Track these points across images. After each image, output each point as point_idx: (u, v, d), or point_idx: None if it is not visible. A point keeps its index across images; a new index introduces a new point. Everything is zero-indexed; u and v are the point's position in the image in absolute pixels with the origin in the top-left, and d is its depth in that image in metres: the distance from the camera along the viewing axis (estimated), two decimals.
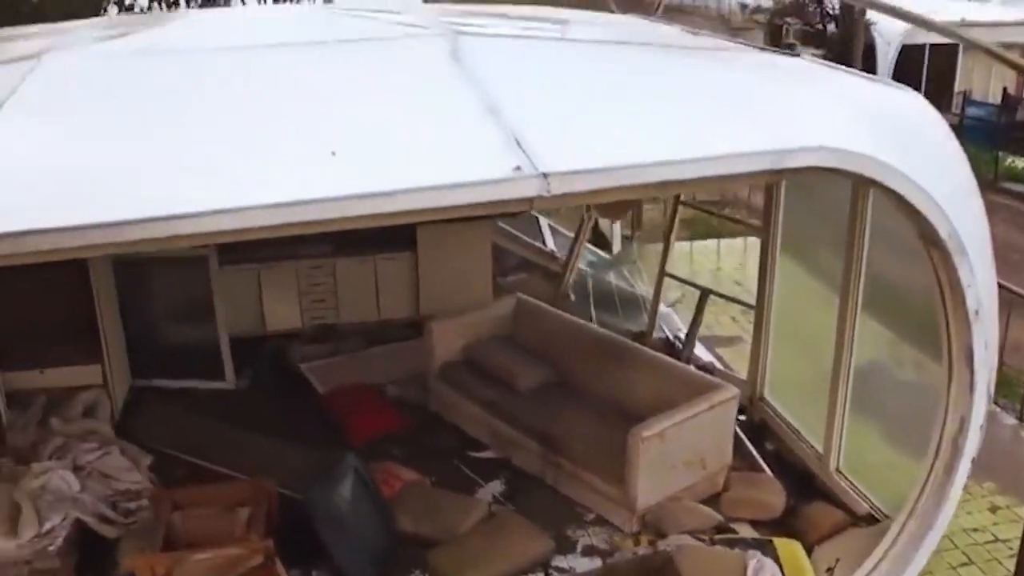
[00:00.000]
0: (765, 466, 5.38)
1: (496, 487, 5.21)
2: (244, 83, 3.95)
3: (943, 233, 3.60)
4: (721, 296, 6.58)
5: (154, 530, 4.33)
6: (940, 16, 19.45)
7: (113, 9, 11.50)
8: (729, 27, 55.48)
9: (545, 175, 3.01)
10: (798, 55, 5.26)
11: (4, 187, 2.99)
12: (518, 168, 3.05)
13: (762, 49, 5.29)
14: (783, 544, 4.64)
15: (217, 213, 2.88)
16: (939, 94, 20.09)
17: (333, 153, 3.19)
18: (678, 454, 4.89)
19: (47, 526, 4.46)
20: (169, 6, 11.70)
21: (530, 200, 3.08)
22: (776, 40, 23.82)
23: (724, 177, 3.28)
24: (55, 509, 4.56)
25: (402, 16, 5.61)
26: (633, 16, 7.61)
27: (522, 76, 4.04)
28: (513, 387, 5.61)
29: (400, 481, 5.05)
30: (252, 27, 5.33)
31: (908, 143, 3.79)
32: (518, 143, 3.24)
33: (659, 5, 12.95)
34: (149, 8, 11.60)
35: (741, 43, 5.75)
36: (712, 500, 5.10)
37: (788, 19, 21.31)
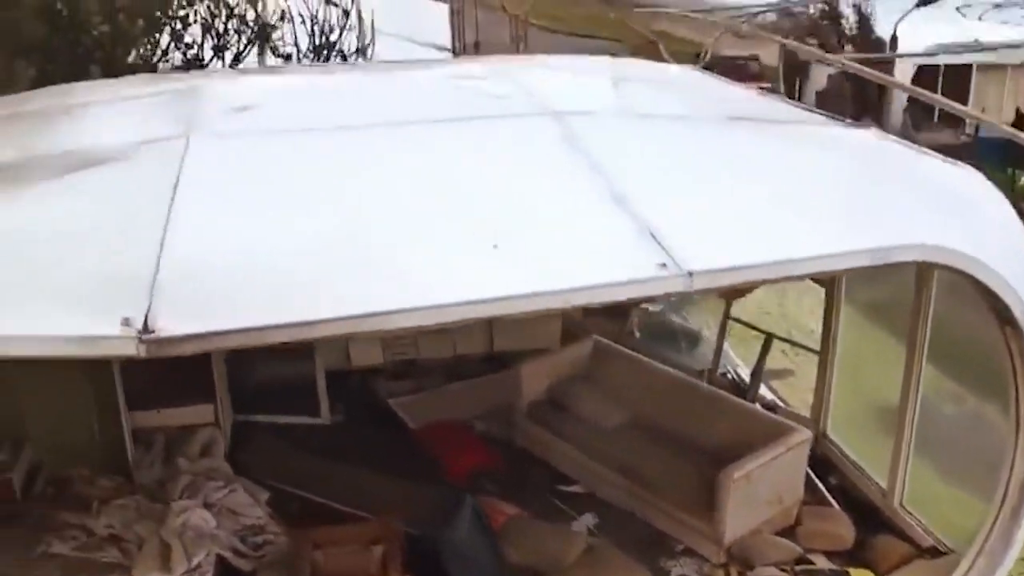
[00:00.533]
0: (832, 500, 5.86)
1: (588, 520, 5.68)
2: (385, 167, 4.40)
3: (1017, 313, 4.05)
4: (785, 340, 7.05)
5: (294, 566, 4.80)
6: (954, 37, 19.98)
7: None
8: (737, 36, 56.22)
9: (690, 274, 3.44)
10: (868, 127, 5.67)
11: (208, 282, 3.45)
12: (663, 266, 3.48)
13: (831, 118, 5.71)
14: (858, 574, 5.12)
15: (404, 312, 3.30)
16: (952, 116, 20.59)
17: (495, 246, 3.66)
18: (761, 492, 5.37)
19: (195, 562, 4.92)
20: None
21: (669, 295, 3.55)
22: (792, 58, 24.22)
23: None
24: (199, 545, 5.03)
25: (488, 83, 6.06)
26: (688, 68, 8.05)
27: (637, 160, 4.49)
28: (597, 425, 6.08)
29: (503, 515, 5.51)
30: (355, 101, 5.70)
31: (983, 228, 4.26)
32: (653, 236, 3.69)
33: (706, 54, 13.46)
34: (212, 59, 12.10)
35: (807, 110, 6.19)
36: (787, 532, 5.58)
37: (807, 39, 21.73)
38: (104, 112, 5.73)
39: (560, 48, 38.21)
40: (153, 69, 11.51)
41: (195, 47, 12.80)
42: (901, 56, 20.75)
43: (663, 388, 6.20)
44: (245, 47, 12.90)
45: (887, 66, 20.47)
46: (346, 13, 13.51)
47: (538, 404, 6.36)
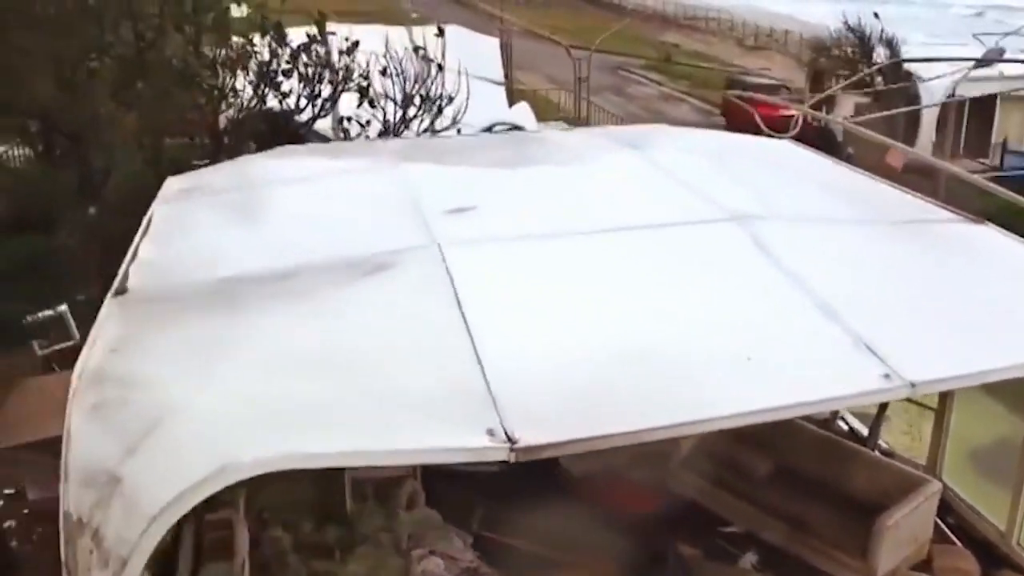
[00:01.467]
0: (955, 539, 6.82)
1: (751, 558, 6.62)
2: (621, 275, 5.33)
3: None
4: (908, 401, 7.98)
5: None
6: (979, 70, 20.90)
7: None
8: (742, 47, 57.23)
9: (913, 384, 4.36)
10: (983, 222, 6.53)
11: (541, 391, 4.35)
12: (887, 377, 4.40)
13: (955, 214, 6.60)
14: None
15: (731, 416, 4.21)
16: (979, 143, 21.67)
17: (748, 359, 4.59)
18: (905, 534, 6.32)
19: None
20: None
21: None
22: (818, 84, 25.28)
23: None
24: None
25: (658, 179, 6.96)
26: (791, 145, 8.99)
27: (828, 268, 5.41)
28: (750, 473, 7.02)
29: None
30: (556, 202, 6.53)
31: None
32: (868, 347, 4.62)
33: (796, 122, 14.37)
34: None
35: (925, 200, 7.09)
36: (922, 567, 6.53)
37: (840, 72, 22.74)
38: (328, 209, 6.62)
39: (584, 59, 39.18)
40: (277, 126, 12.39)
41: (292, 95, 13.71)
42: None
43: (803, 441, 7.13)
44: (338, 94, 13.80)
45: (913, 97, 21.54)
46: (439, 66, 14.32)
47: (693, 453, 7.29)
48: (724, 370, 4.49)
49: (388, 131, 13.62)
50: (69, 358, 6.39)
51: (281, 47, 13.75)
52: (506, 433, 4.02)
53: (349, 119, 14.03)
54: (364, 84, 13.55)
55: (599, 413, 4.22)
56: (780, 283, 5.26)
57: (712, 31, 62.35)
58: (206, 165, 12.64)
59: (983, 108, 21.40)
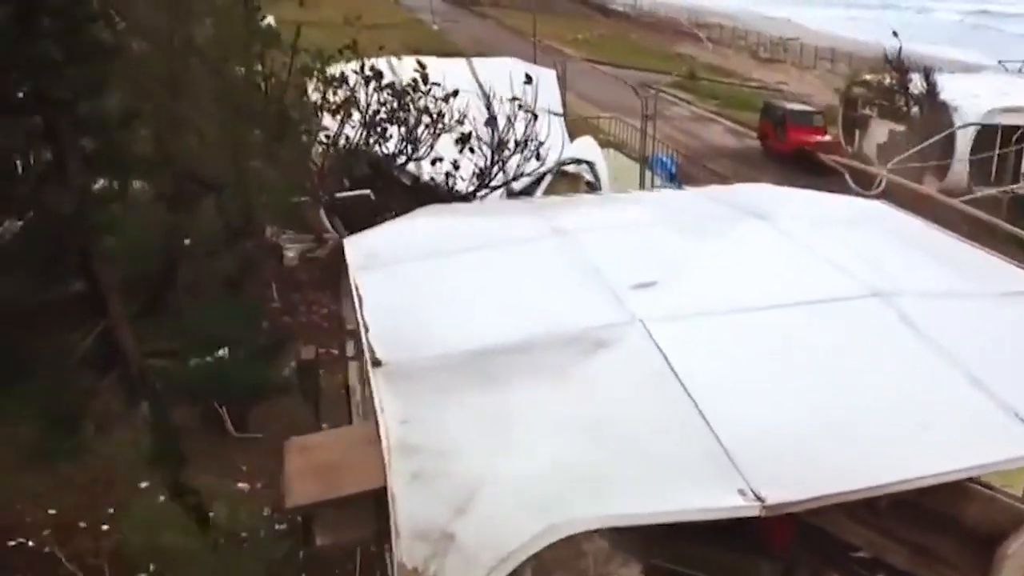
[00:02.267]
0: None
1: None
2: (807, 348, 6.41)
3: None
4: None
5: None
6: (1012, 101, 22.00)
7: None
8: (757, 59, 58.42)
9: None
10: None
11: (773, 452, 5.42)
12: None
13: None
14: None
15: (904, 482, 5.31)
16: (1013, 169, 22.82)
17: (924, 427, 5.67)
18: (1018, 562, 7.41)
19: None
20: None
21: None
22: (851, 109, 26.36)
23: None
24: None
25: (799, 254, 8.01)
26: (883, 206, 10.05)
27: (969, 339, 6.49)
28: (874, 504, 8.10)
29: None
30: (721, 274, 7.59)
31: None
32: (1017, 415, 5.71)
33: (880, 181, 15.41)
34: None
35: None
36: None
37: (878, 101, 23.81)
38: (519, 280, 7.67)
39: (609, 76, 40.19)
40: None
41: (391, 140, 14.79)
42: None
43: None
44: (436, 139, 14.85)
45: (946, 126, 22.65)
46: (534, 115, 15.37)
47: None
48: (907, 437, 5.59)
49: (483, 174, 14.72)
50: None
51: (380, 91, 14.83)
52: (755, 493, 5.10)
53: (441, 159, 15.10)
54: (465, 132, 14.57)
55: (826, 472, 5.31)
56: (930, 357, 6.34)
57: (726, 43, 63.42)
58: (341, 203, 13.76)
59: (1017, 136, 22.52)
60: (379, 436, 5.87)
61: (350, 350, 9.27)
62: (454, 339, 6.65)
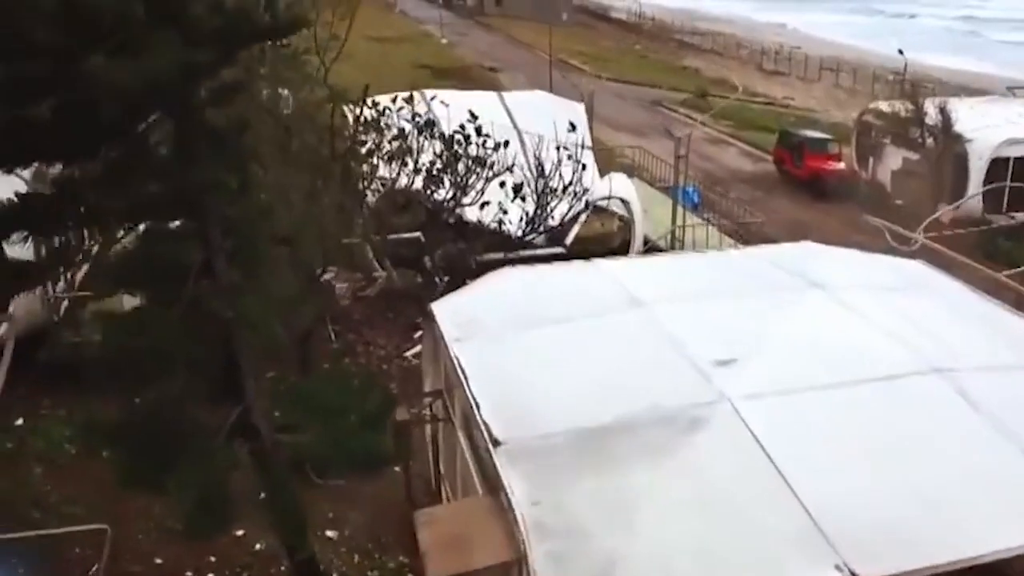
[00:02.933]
0: None
1: None
2: (875, 424, 7.17)
3: None
4: None
5: None
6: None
7: None
8: (762, 71, 59.17)
9: None
10: None
11: (864, 526, 6.18)
12: None
13: None
14: None
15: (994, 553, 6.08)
16: (1020, 201, 23.61)
17: (999, 500, 6.44)
18: None
19: None
20: None
21: None
22: (865, 135, 27.13)
23: None
24: None
25: (862, 327, 8.77)
26: (925, 267, 10.82)
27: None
28: None
29: None
30: (795, 350, 8.34)
31: None
32: None
33: (915, 241, 16.03)
34: None
35: None
36: None
37: (893, 131, 24.61)
38: (607, 354, 8.41)
39: (621, 93, 40.90)
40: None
41: (439, 181, 15.51)
42: None
43: None
44: (484, 186, 15.57)
45: (961, 159, 23.46)
46: (583, 165, 16.11)
47: None
48: (985, 510, 6.36)
49: (531, 219, 15.47)
50: None
51: (432, 138, 15.56)
52: (849, 569, 5.88)
53: (488, 203, 15.83)
54: (517, 184, 15.29)
55: (914, 546, 6.09)
56: (990, 432, 7.12)
57: (730, 54, 64.13)
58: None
59: None
60: (503, 510, 6.64)
61: (436, 409, 10.00)
62: (561, 417, 7.41)
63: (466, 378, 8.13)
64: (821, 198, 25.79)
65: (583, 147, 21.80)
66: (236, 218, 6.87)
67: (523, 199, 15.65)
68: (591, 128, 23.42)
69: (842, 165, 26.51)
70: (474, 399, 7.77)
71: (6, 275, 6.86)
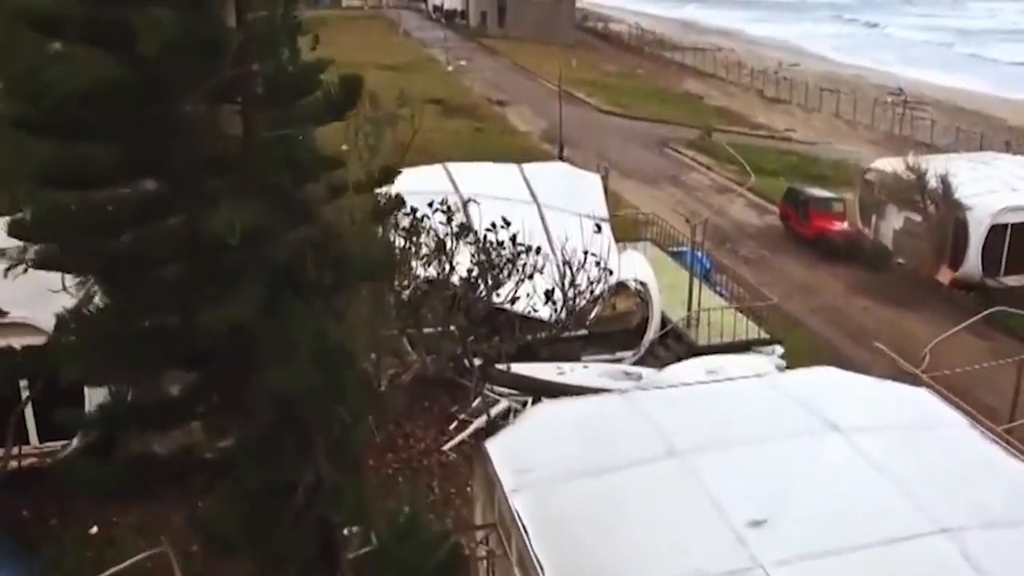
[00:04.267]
0: None
1: None
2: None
3: None
4: None
5: None
6: (1021, 200, 23.75)
7: None
8: (763, 98, 60.20)
9: None
10: None
11: None
12: None
13: None
14: None
15: None
16: (1018, 264, 24.67)
17: None
18: None
19: None
20: None
21: None
22: (867, 193, 28.14)
23: None
24: None
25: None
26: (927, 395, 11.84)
27: None
28: None
29: None
30: (830, 508, 9.43)
31: None
32: None
33: (924, 357, 16.94)
34: None
35: None
36: None
37: (895, 194, 25.66)
38: (652, 510, 9.44)
39: (627, 131, 41.87)
40: None
41: (474, 286, 16.47)
42: None
43: None
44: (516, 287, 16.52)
45: (961, 224, 24.50)
46: (609, 271, 17.10)
47: None
48: None
49: (558, 313, 16.52)
50: None
51: (464, 238, 16.53)
52: None
53: (518, 298, 16.81)
54: (548, 290, 16.30)
55: None
56: None
57: (731, 79, 65.11)
58: None
59: (1023, 232, 24.47)
60: None
61: (491, 542, 11.03)
62: None
63: (527, 535, 9.16)
64: (827, 258, 26.81)
65: (599, 219, 22.96)
66: (338, 435, 7.85)
67: (553, 302, 16.64)
68: (606, 191, 24.45)
69: (846, 225, 27.53)
70: (537, 561, 8.81)
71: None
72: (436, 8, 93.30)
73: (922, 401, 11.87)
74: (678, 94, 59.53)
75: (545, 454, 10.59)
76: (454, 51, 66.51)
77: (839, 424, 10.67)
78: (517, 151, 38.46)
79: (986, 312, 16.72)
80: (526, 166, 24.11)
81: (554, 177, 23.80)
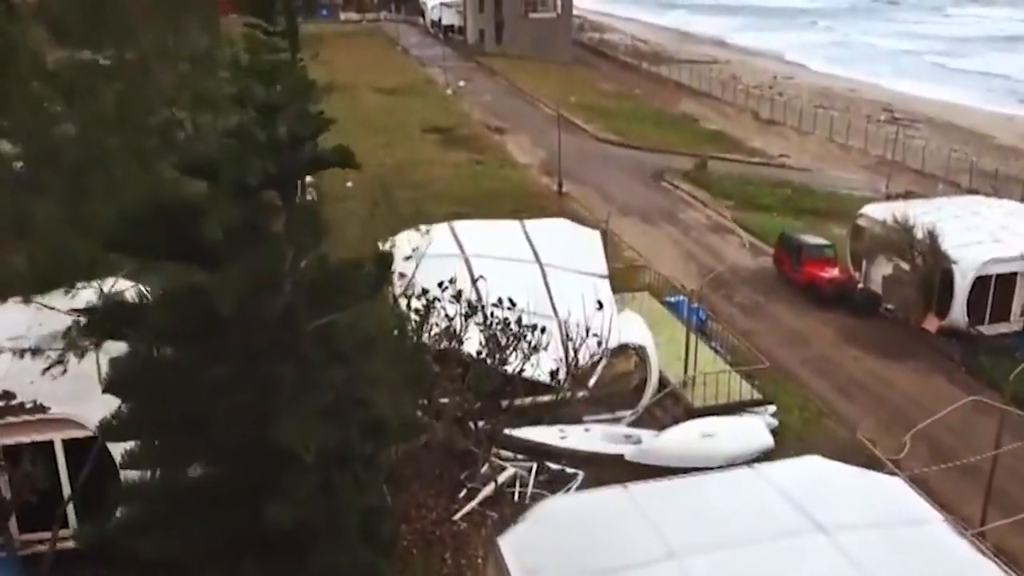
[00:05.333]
0: None
1: None
2: None
3: None
4: None
5: None
6: (1003, 252, 24.69)
7: None
8: (758, 120, 61.15)
9: None
10: None
11: None
12: None
13: None
14: None
15: None
16: (1001, 312, 25.65)
17: None
18: None
19: None
20: None
21: None
22: (858, 240, 29.08)
23: None
24: None
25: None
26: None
27: None
28: None
29: None
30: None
31: None
32: None
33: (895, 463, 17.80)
34: None
35: None
36: None
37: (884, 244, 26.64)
38: None
39: (624, 161, 42.79)
40: None
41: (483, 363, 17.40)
42: None
43: None
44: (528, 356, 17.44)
45: (947, 275, 25.44)
46: (601, 339, 18.02)
47: None
48: None
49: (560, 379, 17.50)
50: None
51: (472, 318, 17.48)
52: None
53: (524, 370, 17.75)
54: (553, 371, 17.25)
55: None
56: None
57: (727, 100, 66.00)
58: None
59: (1007, 284, 25.38)
60: None
61: None
62: None
63: None
64: (819, 304, 27.75)
65: (599, 276, 23.90)
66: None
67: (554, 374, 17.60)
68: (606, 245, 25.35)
69: (837, 271, 28.43)
70: None
71: None
72: (434, 23, 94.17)
73: (899, 496, 12.79)
74: (674, 116, 60.43)
75: (553, 552, 11.51)
76: (452, 71, 67.37)
77: (823, 523, 11.61)
78: (517, 188, 39.42)
79: (964, 401, 17.40)
80: (528, 223, 24.97)
81: (555, 234, 24.67)
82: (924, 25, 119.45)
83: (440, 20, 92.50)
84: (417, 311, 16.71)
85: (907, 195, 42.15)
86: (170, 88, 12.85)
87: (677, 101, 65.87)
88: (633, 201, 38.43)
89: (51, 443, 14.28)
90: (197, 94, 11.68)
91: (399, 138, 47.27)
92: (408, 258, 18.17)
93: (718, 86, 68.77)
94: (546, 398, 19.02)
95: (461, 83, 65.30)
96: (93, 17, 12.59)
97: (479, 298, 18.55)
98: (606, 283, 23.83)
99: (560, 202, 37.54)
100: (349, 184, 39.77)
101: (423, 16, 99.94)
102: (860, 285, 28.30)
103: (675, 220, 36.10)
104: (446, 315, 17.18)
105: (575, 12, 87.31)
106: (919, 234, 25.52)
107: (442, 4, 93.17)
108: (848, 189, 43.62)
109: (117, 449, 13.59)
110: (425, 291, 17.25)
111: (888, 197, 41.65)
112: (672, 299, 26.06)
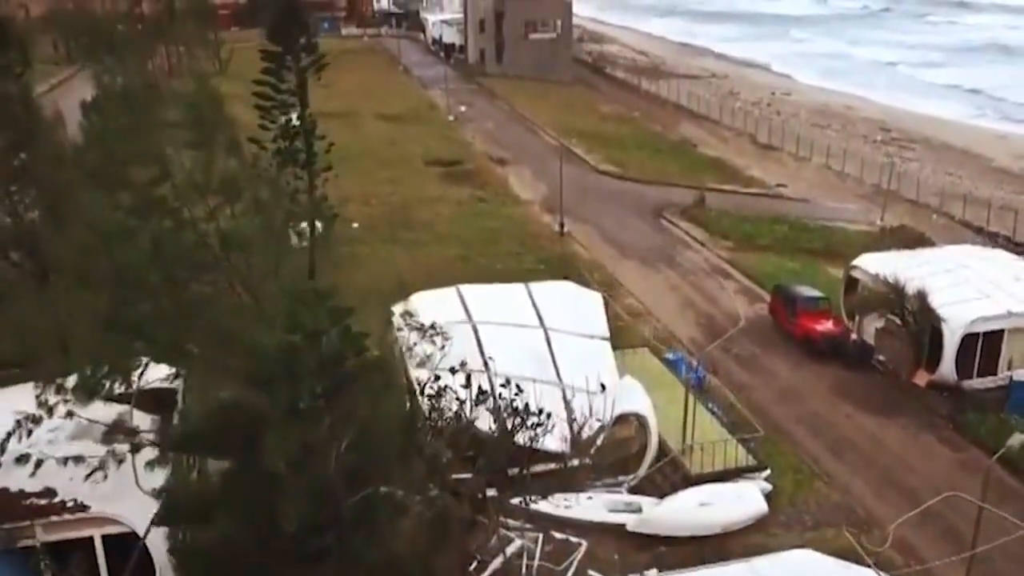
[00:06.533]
0: None
1: None
2: None
3: None
4: None
5: None
6: (990, 310, 25.60)
7: None
8: (756, 144, 62.00)
9: None
10: None
11: None
12: None
13: None
14: None
15: None
16: (989, 367, 26.58)
17: None
18: None
19: None
20: None
21: None
22: (852, 291, 30.03)
23: None
24: None
25: None
26: None
27: None
28: None
29: None
30: None
31: None
32: None
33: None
34: None
35: None
36: None
37: (883, 311, 27.55)
38: None
39: (624, 196, 43.67)
40: None
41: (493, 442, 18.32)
42: None
43: None
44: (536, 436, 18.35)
45: (937, 332, 26.37)
46: (603, 429, 18.96)
47: None
48: None
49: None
50: None
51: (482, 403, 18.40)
52: None
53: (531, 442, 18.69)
54: (556, 453, 18.18)
55: None
56: None
57: (725, 124, 66.81)
58: None
59: (995, 341, 26.29)
60: None
61: None
62: None
63: None
64: (813, 356, 28.68)
65: (600, 338, 24.85)
66: None
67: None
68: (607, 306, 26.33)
69: (831, 324, 29.34)
70: None
71: None
72: (435, 40, 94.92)
73: None
74: (673, 142, 61.27)
75: None
76: (454, 94, 68.03)
77: None
78: (518, 227, 40.26)
79: (942, 496, 18.16)
80: (533, 287, 25.96)
81: (559, 297, 25.67)
82: (914, 35, 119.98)
83: (441, 38, 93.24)
84: (431, 397, 17.63)
85: (901, 228, 43.40)
86: (200, 220, 13.79)
87: (676, 124, 66.72)
88: (633, 240, 39.31)
89: (91, 539, 15.22)
90: (225, 235, 12.59)
91: (403, 172, 48.15)
92: (422, 328, 19.29)
93: (716, 105, 69.50)
94: (552, 465, 19.99)
95: (462, 108, 66.07)
96: (128, 153, 13.52)
97: (490, 381, 19.45)
98: (607, 345, 24.81)
99: (562, 243, 38.46)
100: (355, 225, 40.84)
101: (423, 32, 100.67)
102: (854, 336, 29.25)
103: (673, 263, 36.98)
104: (457, 398, 18.10)
105: (573, 23, 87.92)
106: (909, 291, 26.44)
107: (443, 22, 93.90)
108: (844, 222, 44.45)
109: (157, 547, 14.68)
110: (437, 376, 18.18)
111: (883, 231, 42.80)
112: (671, 356, 27.00)
